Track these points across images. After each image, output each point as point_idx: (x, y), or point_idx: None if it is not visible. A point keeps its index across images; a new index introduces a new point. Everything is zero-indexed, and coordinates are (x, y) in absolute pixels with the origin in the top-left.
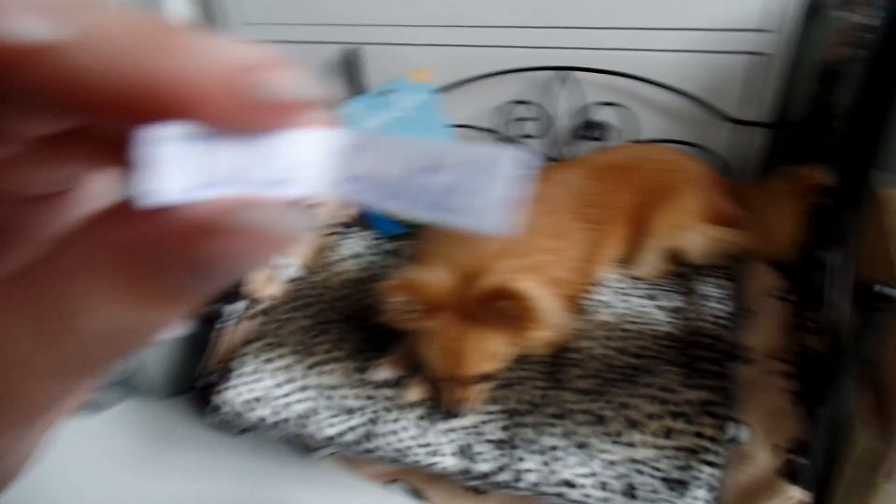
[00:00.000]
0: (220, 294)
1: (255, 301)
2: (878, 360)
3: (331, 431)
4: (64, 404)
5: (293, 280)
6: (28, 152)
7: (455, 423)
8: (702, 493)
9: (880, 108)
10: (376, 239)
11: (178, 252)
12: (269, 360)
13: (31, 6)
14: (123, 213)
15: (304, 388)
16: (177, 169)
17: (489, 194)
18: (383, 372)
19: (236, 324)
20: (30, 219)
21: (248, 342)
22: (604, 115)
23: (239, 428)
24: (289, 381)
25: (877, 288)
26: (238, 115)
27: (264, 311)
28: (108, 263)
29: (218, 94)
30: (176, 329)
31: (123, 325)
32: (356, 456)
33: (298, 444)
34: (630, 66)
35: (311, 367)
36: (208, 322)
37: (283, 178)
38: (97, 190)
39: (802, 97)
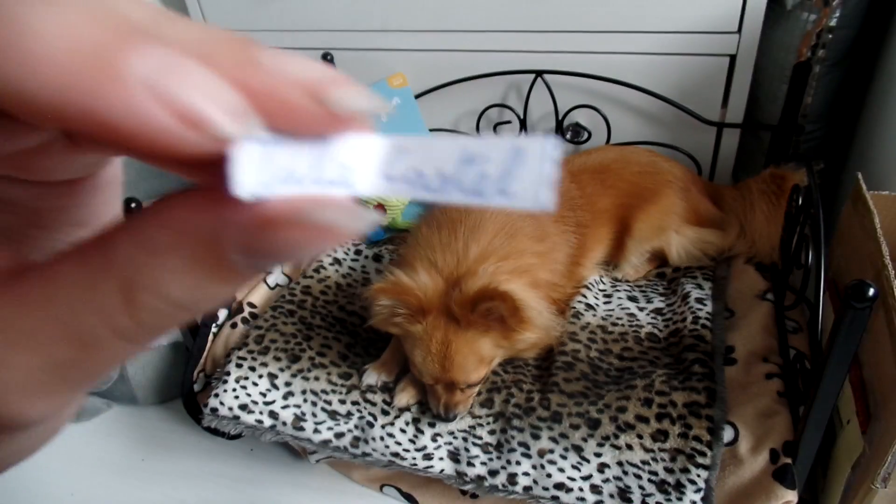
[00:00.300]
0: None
1: (239, 308)
2: (861, 359)
3: (318, 437)
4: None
5: (276, 287)
6: (57, 140)
7: (447, 427)
8: (695, 496)
9: (850, 109)
10: (357, 245)
11: (254, 239)
12: (253, 368)
13: (227, 110)
14: (206, 201)
15: (290, 395)
16: (259, 167)
17: (529, 176)
18: (370, 377)
19: (221, 331)
20: (60, 201)
21: (232, 349)
22: (580, 117)
23: (227, 434)
24: (275, 387)
25: (857, 286)
26: (313, 123)
27: (248, 319)
28: (192, 243)
29: (299, 105)
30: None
31: (195, 296)
32: (348, 461)
33: (290, 449)
34: (605, 70)
35: (296, 373)
36: (194, 330)
37: (340, 178)
38: (114, 173)
39: (774, 98)
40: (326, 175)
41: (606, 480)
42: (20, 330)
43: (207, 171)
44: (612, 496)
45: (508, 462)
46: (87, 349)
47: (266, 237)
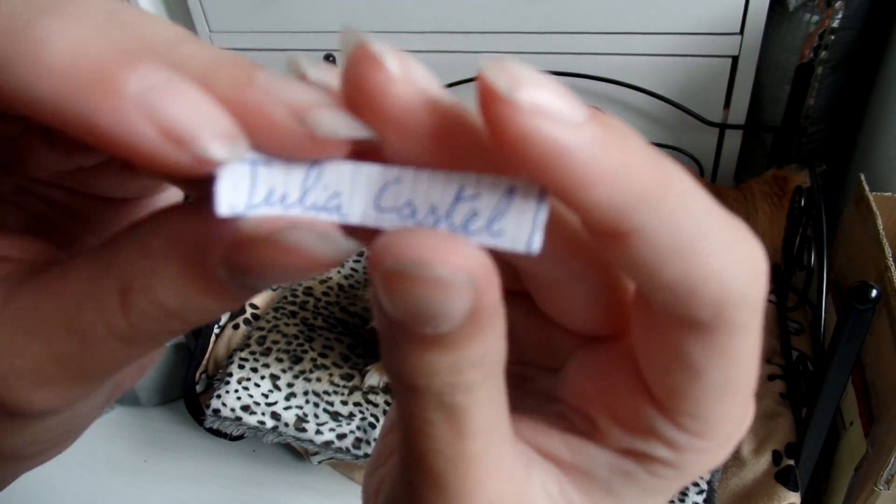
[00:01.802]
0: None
1: (241, 309)
2: (863, 361)
3: (321, 438)
4: (124, 377)
5: (278, 288)
6: (112, 163)
7: None
8: (697, 497)
9: (852, 110)
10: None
11: (231, 256)
12: (255, 369)
13: (213, 131)
14: (198, 213)
15: (292, 396)
16: (247, 186)
17: (521, 217)
18: (373, 378)
19: (223, 332)
20: (109, 214)
21: (234, 350)
22: None
23: (229, 435)
24: (277, 388)
25: (859, 287)
26: (294, 143)
27: (250, 320)
28: (180, 253)
29: (282, 123)
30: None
31: (185, 306)
32: (350, 462)
33: (292, 450)
34: (606, 71)
35: (298, 374)
36: (196, 331)
37: (329, 204)
38: (168, 197)
39: (776, 99)
40: (316, 200)
41: None
42: (33, 319)
43: (202, 185)
44: None
45: None
46: (86, 345)
47: (241, 254)
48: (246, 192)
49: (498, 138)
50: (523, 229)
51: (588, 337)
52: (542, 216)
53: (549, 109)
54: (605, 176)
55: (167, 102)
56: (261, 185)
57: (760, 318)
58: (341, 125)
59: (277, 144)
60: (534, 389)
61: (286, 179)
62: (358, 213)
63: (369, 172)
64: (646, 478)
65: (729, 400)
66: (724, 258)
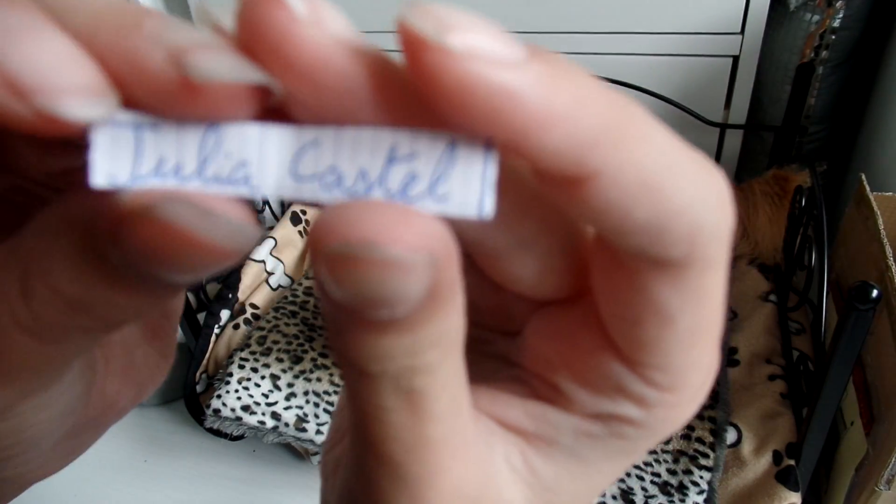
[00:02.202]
0: (204, 301)
1: (241, 310)
2: (864, 361)
3: (322, 438)
4: (117, 397)
5: (279, 288)
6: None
7: None
8: (697, 497)
9: (853, 110)
10: None
11: (109, 234)
12: (255, 369)
13: (70, 82)
14: (82, 189)
15: (292, 396)
16: (126, 155)
17: (468, 178)
18: None
19: (223, 332)
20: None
21: (235, 350)
22: None
23: (230, 435)
24: (277, 388)
25: (860, 287)
26: (171, 94)
27: (251, 320)
28: (73, 232)
29: (155, 70)
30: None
31: (85, 295)
32: None
33: (292, 450)
34: (606, 71)
35: (298, 374)
36: (196, 331)
37: (235, 176)
38: None
39: (777, 99)
40: (218, 171)
41: None
42: None
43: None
44: (614, 497)
45: None
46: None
47: (119, 233)
48: (129, 160)
49: (431, 90)
50: (472, 190)
51: (544, 301)
52: (492, 172)
53: (485, 51)
54: (559, 116)
55: (12, 45)
56: (148, 152)
57: (728, 252)
58: (223, 67)
59: (150, 95)
60: (492, 353)
61: (179, 146)
62: (271, 183)
63: (280, 135)
64: (613, 440)
65: (698, 347)
66: (692, 188)
